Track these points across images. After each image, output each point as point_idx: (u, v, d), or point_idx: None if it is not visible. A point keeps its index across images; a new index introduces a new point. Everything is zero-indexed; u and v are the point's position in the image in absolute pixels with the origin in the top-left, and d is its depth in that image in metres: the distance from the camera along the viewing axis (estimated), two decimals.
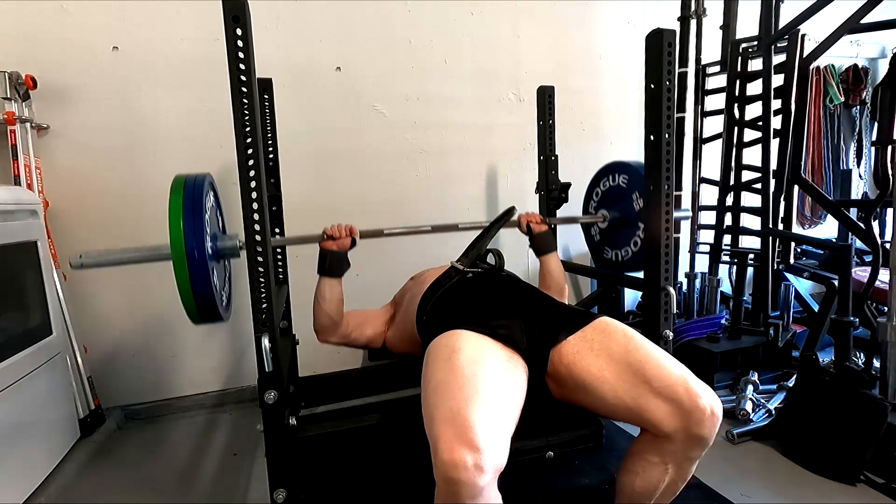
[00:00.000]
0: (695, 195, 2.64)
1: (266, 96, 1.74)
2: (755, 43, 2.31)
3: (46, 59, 1.97)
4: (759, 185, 2.27)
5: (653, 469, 1.00)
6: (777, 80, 2.17)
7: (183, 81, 2.12)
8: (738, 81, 2.37)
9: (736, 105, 2.37)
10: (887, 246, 1.73)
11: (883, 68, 3.45)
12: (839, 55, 3.31)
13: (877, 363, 1.73)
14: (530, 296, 1.27)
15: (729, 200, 2.43)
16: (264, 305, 1.03)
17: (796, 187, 2.25)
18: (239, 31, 0.96)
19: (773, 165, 2.21)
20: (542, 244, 1.57)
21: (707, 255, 2.55)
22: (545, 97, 1.96)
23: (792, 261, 2.36)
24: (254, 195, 1.01)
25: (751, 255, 2.36)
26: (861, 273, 2.01)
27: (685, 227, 2.63)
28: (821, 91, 3.32)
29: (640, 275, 1.44)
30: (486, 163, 2.59)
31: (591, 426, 1.16)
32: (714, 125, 2.57)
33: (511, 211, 1.57)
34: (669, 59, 1.28)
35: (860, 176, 3.45)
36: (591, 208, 1.80)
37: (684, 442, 0.94)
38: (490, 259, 1.47)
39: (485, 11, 2.49)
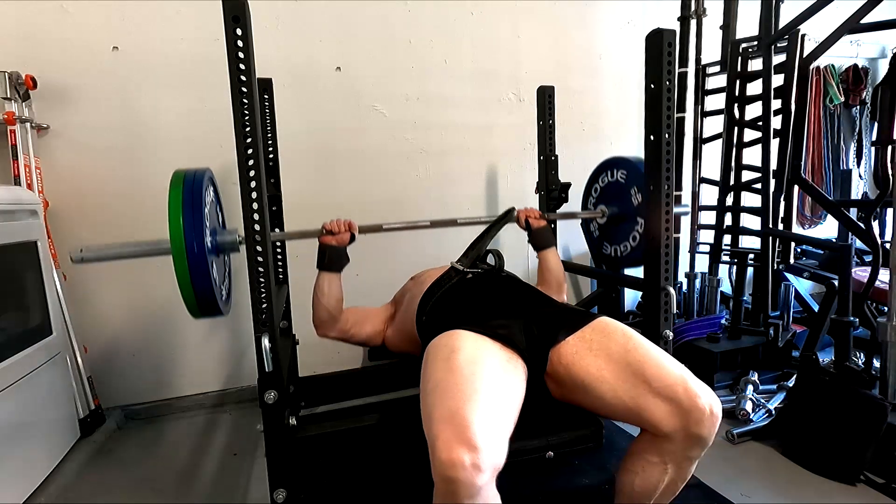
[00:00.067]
0: (695, 195, 2.64)
1: (266, 96, 1.75)
2: (755, 43, 2.31)
3: (46, 59, 1.97)
4: (759, 185, 2.27)
5: (652, 469, 1.00)
6: (777, 80, 2.17)
7: (183, 81, 2.12)
8: (738, 81, 2.37)
9: (736, 105, 2.37)
10: (887, 246, 1.73)
11: (883, 68, 3.45)
12: (839, 55, 3.31)
13: (877, 363, 1.73)
14: (530, 296, 1.27)
15: (729, 200, 2.43)
16: (264, 305, 1.03)
17: (796, 187, 2.25)
18: (239, 31, 0.97)
19: (773, 165, 2.21)
20: (541, 239, 1.58)
21: (707, 255, 2.55)
22: (545, 97, 1.96)
23: (792, 261, 2.36)
24: (254, 195, 1.01)
25: (751, 255, 2.36)
26: (861, 273, 2.01)
27: (685, 227, 2.63)
28: (821, 91, 3.32)
29: (641, 275, 1.44)
30: (486, 163, 2.59)
31: (591, 426, 1.16)
32: (714, 125, 2.57)
33: (511, 212, 1.59)
34: (669, 59, 1.28)
35: (860, 176, 3.45)
36: (590, 204, 1.81)
37: (684, 442, 0.94)
38: (490, 260, 1.48)
39: (485, 11, 2.49)
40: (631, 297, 2.87)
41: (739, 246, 2.41)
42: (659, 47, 1.27)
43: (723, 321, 2.32)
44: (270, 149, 1.74)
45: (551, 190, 1.97)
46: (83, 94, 2.03)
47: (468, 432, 0.80)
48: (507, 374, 0.99)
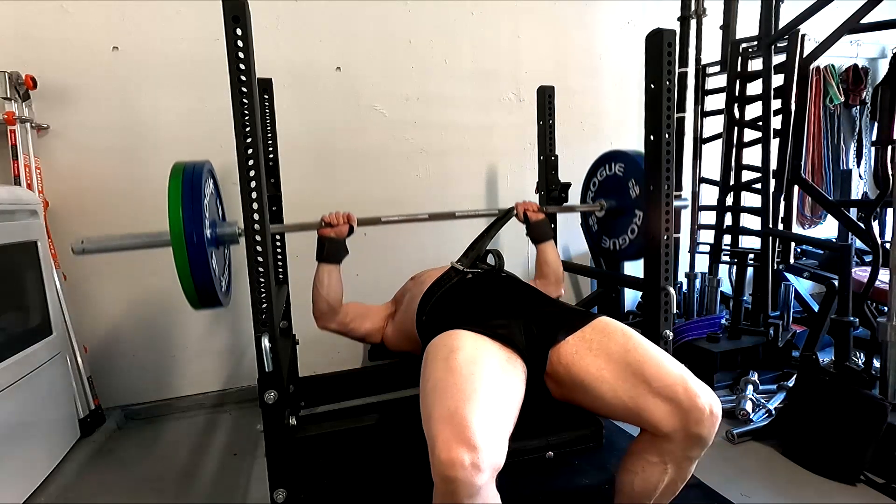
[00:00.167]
0: (695, 195, 2.64)
1: (266, 96, 1.75)
2: (755, 43, 2.30)
3: (46, 59, 1.97)
4: (759, 185, 2.27)
5: (652, 469, 1.00)
6: (777, 80, 2.17)
7: (183, 81, 2.12)
8: (738, 81, 2.37)
9: (736, 105, 2.37)
10: (887, 246, 1.73)
11: (883, 68, 3.45)
12: (839, 55, 3.31)
13: (877, 363, 1.73)
14: (529, 296, 1.27)
15: (729, 200, 2.43)
16: (264, 305, 1.03)
17: (796, 187, 2.25)
18: (239, 31, 0.97)
19: (773, 165, 2.21)
20: (539, 233, 1.59)
21: (707, 255, 2.55)
22: (545, 97, 1.96)
23: (792, 261, 2.36)
24: (254, 195, 1.01)
25: (751, 255, 2.36)
26: (861, 273, 2.01)
27: (685, 227, 2.63)
28: (821, 91, 3.32)
29: (641, 274, 1.44)
30: (486, 163, 2.59)
31: (591, 426, 1.16)
32: (714, 125, 2.57)
33: (511, 211, 1.59)
34: (669, 59, 1.28)
35: (860, 176, 3.45)
36: (589, 199, 1.81)
37: (683, 441, 0.94)
38: (490, 260, 1.48)
39: (485, 11, 2.49)
40: (631, 297, 2.87)
41: (739, 246, 2.41)
42: (659, 47, 1.27)
43: (723, 321, 2.32)
44: (270, 149, 1.74)
45: (551, 190, 1.97)
46: (83, 94, 2.03)
47: (468, 432, 0.80)
48: (507, 374, 0.99)
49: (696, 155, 2.62)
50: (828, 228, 3.44)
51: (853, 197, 3.15)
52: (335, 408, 1.58)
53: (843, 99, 3.35)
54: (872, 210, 1.88)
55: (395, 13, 2.36)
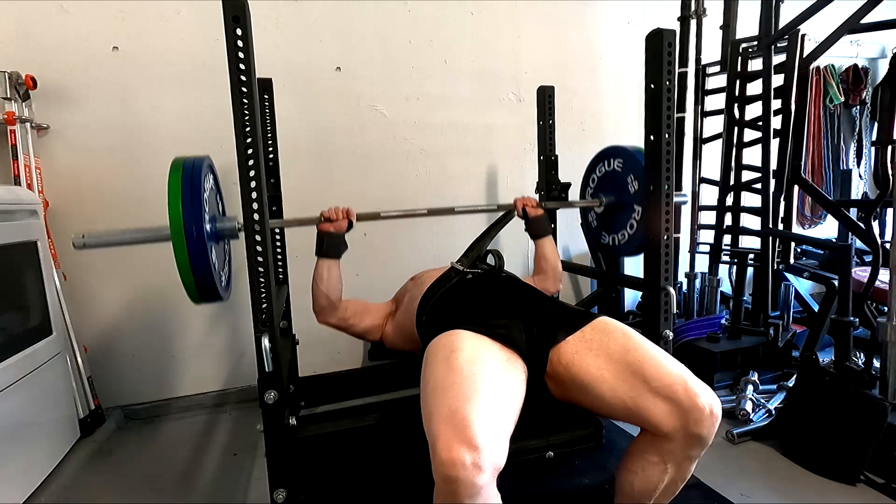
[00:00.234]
0: (695, 195, 2.64)
1: (266, 96, 1.75)
2: (755, 43, 2.30)
3: (46, 59, 1.97)
4: (759, 185, 2.27)
5: (652, 468, 1.00)
6: (777, 80, 2.17)
7: (183, 81, 2.12)
8: (738, 81, 2.37)
9: (736, 105, 2.37)
10: (887, 246, 1.73)
11: (883, 68, 3.45)
12: (839, 55, 3.31)
13: (877, 363, 1.73)
14: (530, 296, 1.27)
15: (729, 200, 2.43)
16: (264, 305, 1.03)
17: (796, 187, 2.25)
18: (239, 31, 0.97)
19: (773, 165, 2.21)
20: (538, 228, 1.59)
21: (707, 255, 2.55)
22: (545, 97, 1.96)
23: (792, 261, 2.36)
24: (254, 195, 1.01)
25: (751, 255, 2.36)
26: (861, 273, 2.01)
27: (685, 227, 2.63)
28: (821, 91, 3.32)
29: (641, 274, 1.44)
30: (486, 163, 2.59)
31: (591, 426, 1.16)
32: (714, 125, 2.57)
33: (511, 211, 1.59)
34: (669, 59, 1.28)
35: (860, 176, 3.45)
36: (588, 195, 1.81)
37: (683, 441, 0.95)
38: (490, 260, 1.48)
39: (485, 11, 2.49)
40: (631, 297, 2.87)
41: (739, 246, 2.41)
42: (659, 47, 1.27)
43: (723, 321, 2.32)
44: (270, 149, 1.74)
45: (551, 190, 1.97)
46: (83, 94, 2.03)
47: (468, 432, 0.80)
48: (507, 374, 1.00)
49: (696, 155, 2.62)
50: (828, 228, 3.44)
51: (853, 197, 3.15)
52: (335, 408, 1.58)
53: (843, 99, 3.35)
54: (872, 210, 1.88)
55: (395, 13, 2.36)
